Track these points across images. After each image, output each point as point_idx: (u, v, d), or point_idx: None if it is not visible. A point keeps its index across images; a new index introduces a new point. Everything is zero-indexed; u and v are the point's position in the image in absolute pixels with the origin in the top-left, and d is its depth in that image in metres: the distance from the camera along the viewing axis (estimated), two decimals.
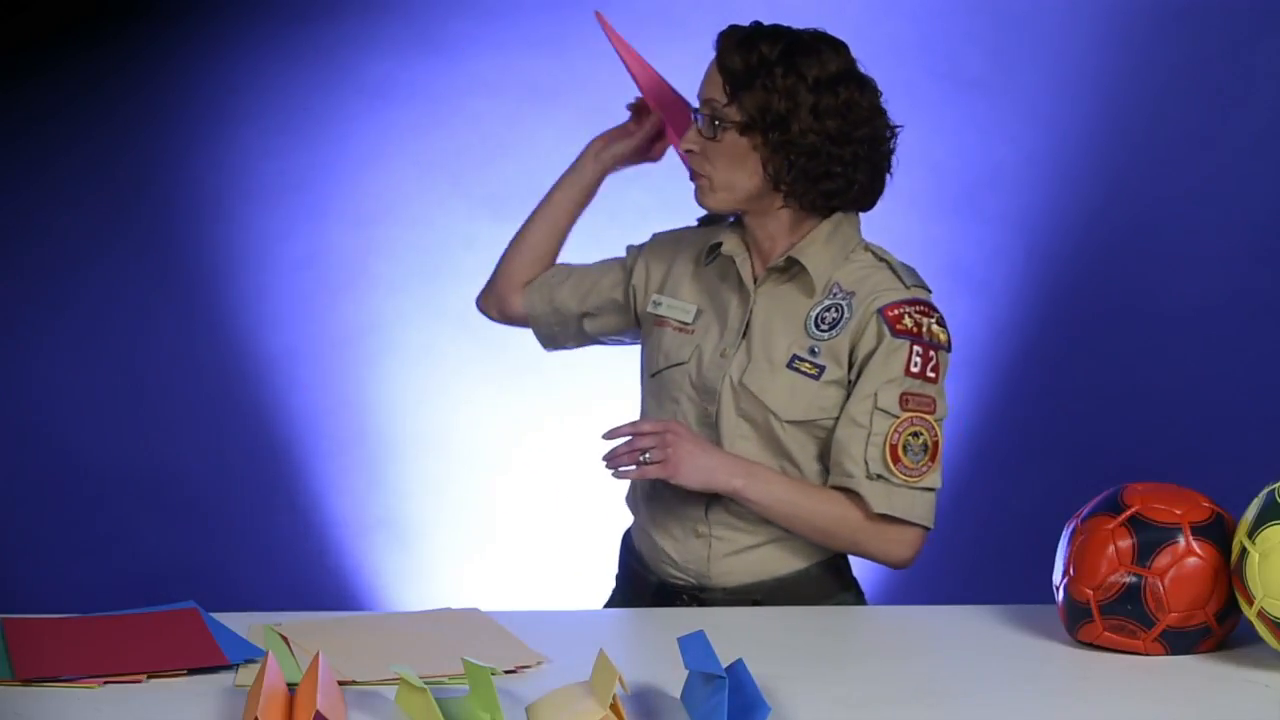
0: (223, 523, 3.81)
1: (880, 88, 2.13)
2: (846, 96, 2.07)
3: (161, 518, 3.78)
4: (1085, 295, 3.78)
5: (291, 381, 3.81)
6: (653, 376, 2.22)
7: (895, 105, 2.11)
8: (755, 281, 2.16)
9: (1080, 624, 1.83)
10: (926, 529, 2.10)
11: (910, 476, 2.06)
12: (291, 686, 1.65)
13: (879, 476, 2.05)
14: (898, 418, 2.05)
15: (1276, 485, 1.75)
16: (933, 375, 2.07)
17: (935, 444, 2.07)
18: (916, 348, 2.06)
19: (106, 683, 1.70)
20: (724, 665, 1.57)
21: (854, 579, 2.24)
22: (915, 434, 2.06)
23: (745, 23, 2.12)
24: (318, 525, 3.82)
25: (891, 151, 2.13)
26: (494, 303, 2.43)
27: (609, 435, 2.06)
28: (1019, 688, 1.72)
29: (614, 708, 1.54)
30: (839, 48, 2.12)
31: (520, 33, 3.74)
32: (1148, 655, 1.80)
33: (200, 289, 3.78)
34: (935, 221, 3.76)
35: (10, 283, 3.77)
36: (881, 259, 2.14)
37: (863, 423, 2.06)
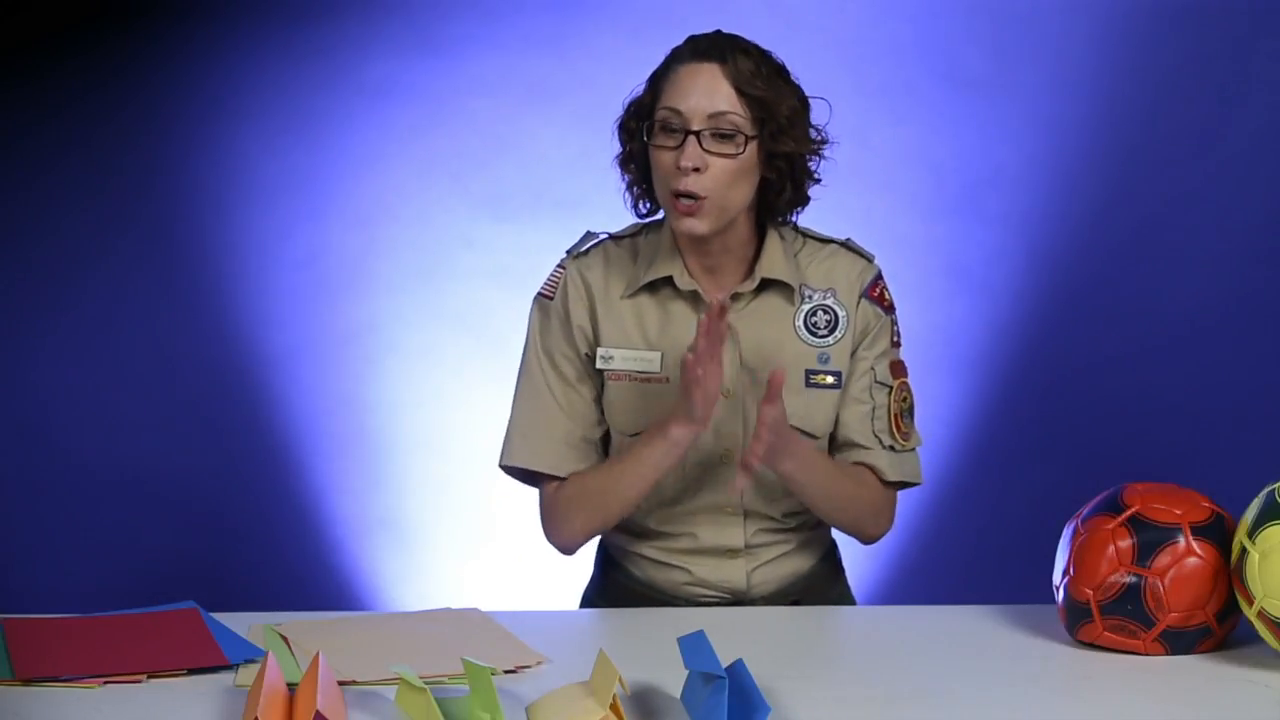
0: (223, 523, 3.80)
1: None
2: (807, 104, 2.06)
3: (161, 518, 3.78)
4: (1085, 295, 3.78)
5: (292, 381, 3.81)
6: (634, 436, 2.09)
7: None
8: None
9: (1080, 624, 1.83)
10: (917, 485, 2.20)
11: (907, 441, 2.15)
12: (291, 686, 1.65)
13: (889, 447, 2.13)
14: (892, 388, 2.13)
15: (1276, 485, 1.75)
16: (900, 340, 2.18)
17: (913, 405, 2.17)
18: (894, 318, 2.16)
19: (106, 683, 1.71)
20: (724, 665, 1.57)
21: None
22: (903, 399, 2.15)
23: (741, 25, 2.09)
24: (318, 525, 3.82)
25: None
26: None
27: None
28: (1019, 688, 1.72)
29: (614, 708, 1.54)
30: None
31: (520, 33, 3.74)
32: (1148, 655, 1.80)
33: (201, 289, 3.78)
34: (935, 221, 3.76)
35: (12, 283, 3.76)
36: (822, 241, 2.15)
37: (864, 399, 2.12)
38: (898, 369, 2.15)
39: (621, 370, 2.09)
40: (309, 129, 3.77)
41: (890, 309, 2.15)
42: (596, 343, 2.10)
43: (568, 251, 2.16)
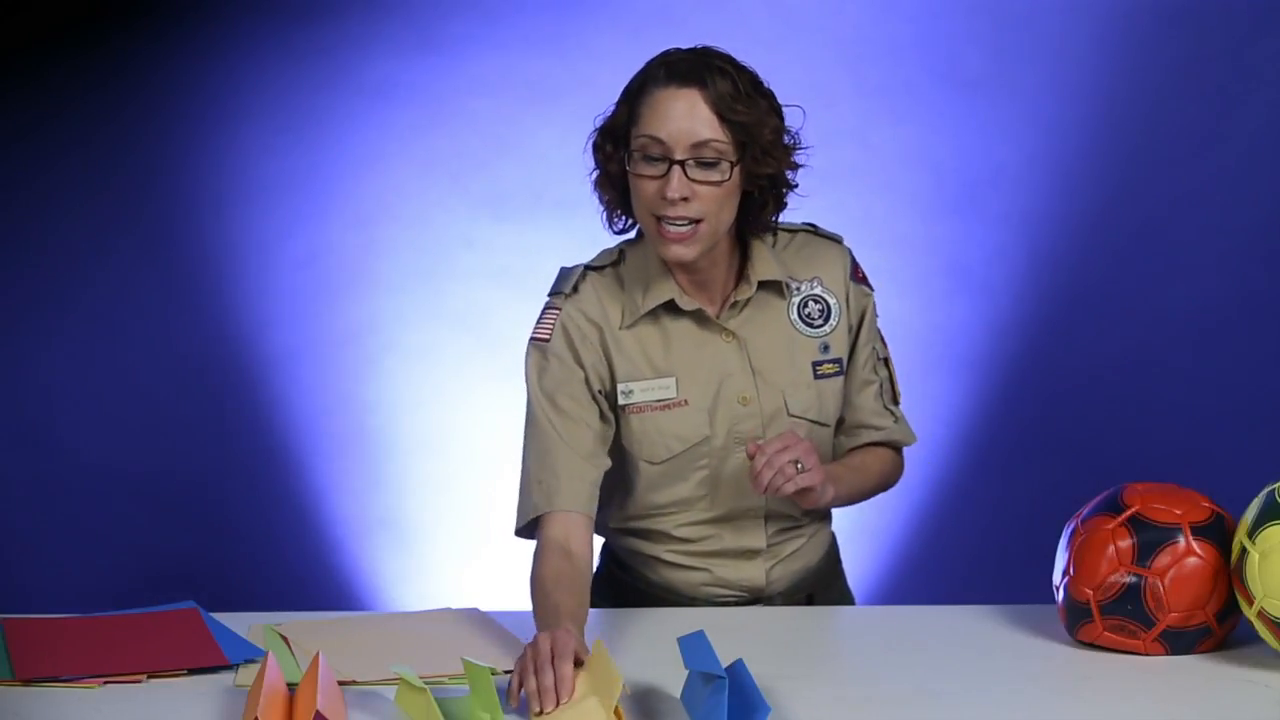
0: (223, 523, 3.80)
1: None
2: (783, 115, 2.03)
3: (161, 518, 3.78)
4: (1086, 295, 3.78)
5: (291, 381, 3.81)
6: (660, 464, 2.08)
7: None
8: (717, 317, 2.07)
9: (1080, 624, 1.84)
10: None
11: (899, 404, 2.22)
12: (291, 686, 1.65)
13: (897, 418, 2.19)
14: (886, 358, 2.20)
15: (1276, 485, 1.75)
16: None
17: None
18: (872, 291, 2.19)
19: (106, 683, 1.71)
20: (724, 665, 1.57)
21: None
22: (892, 365, 2.21)
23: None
24: (318, 525, 3.82)
25: None
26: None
27: (755, 455, 1.92)
28: (1019, 688, 1.72)
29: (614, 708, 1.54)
30: None
31: (520, 33, 3.74)
32: (1148, 655, 1.80)
33: (201, 289, 3.78)
34: (936, 221, 3.76)
35: (12, 283, 3.76)
36: (790, 231, 2.14)
37: (873, 378, 2.17)
38: (882, 338, 2.20)
39: (643, 403, 2.06)
40: (309, 129, 3.76)
41: (869, 285, 2.18)
42: (614, 379, 2.07)
43: (552, 293, 2.10)
